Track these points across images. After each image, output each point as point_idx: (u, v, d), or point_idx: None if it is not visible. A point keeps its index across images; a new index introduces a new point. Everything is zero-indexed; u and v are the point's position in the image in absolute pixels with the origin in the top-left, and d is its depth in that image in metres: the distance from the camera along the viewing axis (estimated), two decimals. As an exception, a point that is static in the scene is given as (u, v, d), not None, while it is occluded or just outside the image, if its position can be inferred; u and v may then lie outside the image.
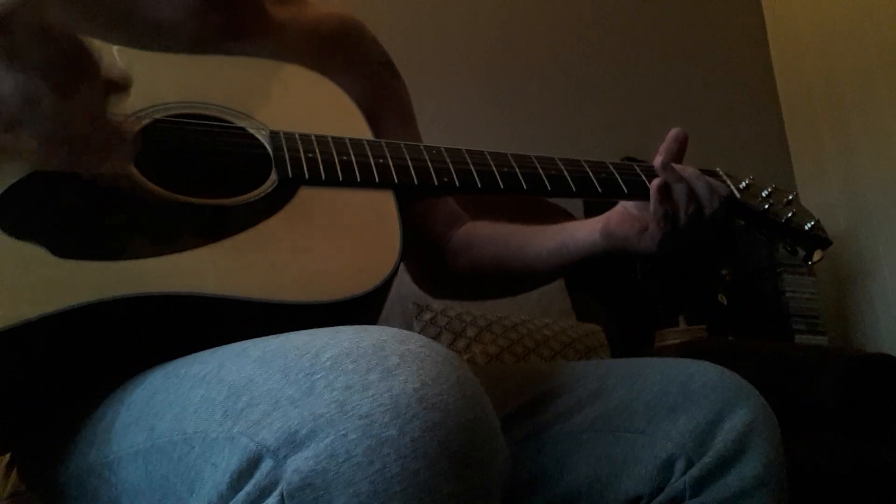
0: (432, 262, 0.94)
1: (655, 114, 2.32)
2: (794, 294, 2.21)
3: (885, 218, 2.32)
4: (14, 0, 0.53)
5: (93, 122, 0.57)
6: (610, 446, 0.70)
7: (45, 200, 0.60)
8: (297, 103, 0.78)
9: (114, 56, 0.72)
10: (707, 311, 2.06)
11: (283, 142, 0.71)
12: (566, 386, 0.75)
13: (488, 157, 0.78)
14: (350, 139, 0.74)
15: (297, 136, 0.72)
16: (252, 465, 0.44)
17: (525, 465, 0.71)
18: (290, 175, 0.68)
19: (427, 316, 1.53)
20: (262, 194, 0.67)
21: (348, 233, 0.68)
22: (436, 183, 0.74)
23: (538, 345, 1.55)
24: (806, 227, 0.85)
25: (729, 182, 0.85)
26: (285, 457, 0.42)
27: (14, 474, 0.69)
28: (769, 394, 0.71)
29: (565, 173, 0.79)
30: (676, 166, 0.79)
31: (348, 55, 0.89)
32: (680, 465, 0.67)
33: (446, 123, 1.97)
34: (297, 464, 0.42)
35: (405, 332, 0.48)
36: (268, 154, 0.70)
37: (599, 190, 0.80)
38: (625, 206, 0.83)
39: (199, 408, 0.49)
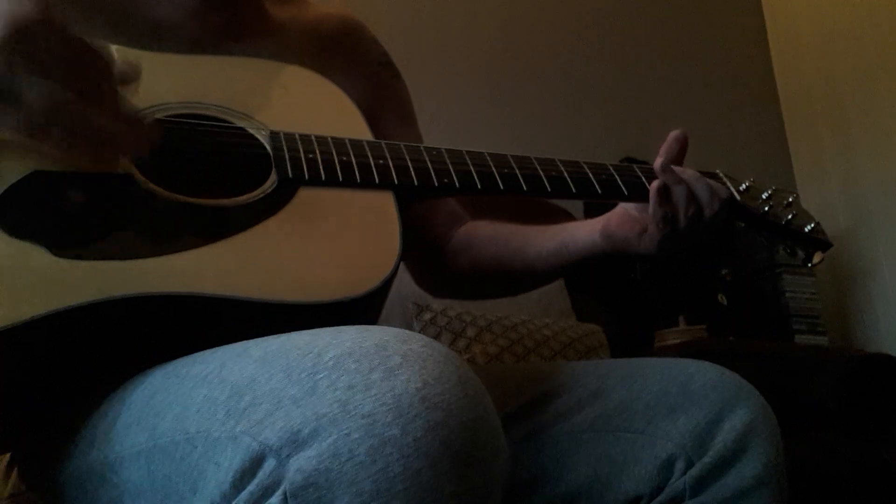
0: (433, 261, 0.94)
1: (655, 114, 2.32)
2: (794, 294, 2.21)
3: (885, 218, 2.32)
4: (31, 10, 0.54)
5: (111, 118, 0.59)
6: (610, 446, 0.70)
7: (46, 200, 0.60)
8: (297, 104, 0.78)
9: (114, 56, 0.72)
10: (707, 311, 2.06)
11: (283, 142, 0.71)
12: (566, 386, 0.75)
13: (488, 158, 0.78)
14: (350, 140, 0.74)
15: (297, 136, 0.72)
16: (255, 464, 0.44)
17: (525, 465, 0.71)
18: (290, 175, 0.68)
19: (427, 316, 1.54)
20: (262, 194, 0.67)
21: (348, 233, 0.68)
22: (436, 184, 0.74)
23: (538, 345, 1.55)
24: (806, 230, 0.85)
25: (729, 184, 0.85)
26: (288, 456, 0.42)
27: (14, 474, 0.69)
28: (769, 394, 0.71)
29: (565, 174, 0.79)
30: (676, 168, 0.79)
31: (348, 55, 0.90)
32: (680, 465, 0.67)
33: (446, 123, 1.97)
34: (300, 463, 0.42)
35: (407, 332, 0.49)
36: (268, 154, 0.70)
37: (599, 191, 0.80)
38: (625, 208, 0.83)
39: (201, 407, 0.49)
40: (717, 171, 0.87)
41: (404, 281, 0.92)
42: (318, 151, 0.71)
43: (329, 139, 0.73)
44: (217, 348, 0.54)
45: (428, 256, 0.94)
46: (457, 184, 0.75)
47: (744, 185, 0.86)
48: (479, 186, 0.76)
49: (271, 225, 0.65)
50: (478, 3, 2.29)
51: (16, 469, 0.69)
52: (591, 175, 0.80)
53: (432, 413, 0.42)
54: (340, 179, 0.70)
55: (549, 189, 0.78)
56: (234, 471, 0.44)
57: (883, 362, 1.51)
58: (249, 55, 0.79)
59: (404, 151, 0.75)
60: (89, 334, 0.57)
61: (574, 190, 0.79)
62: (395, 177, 0.72)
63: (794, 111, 2.64)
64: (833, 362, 1.51)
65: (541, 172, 0.79)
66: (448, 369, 0.45)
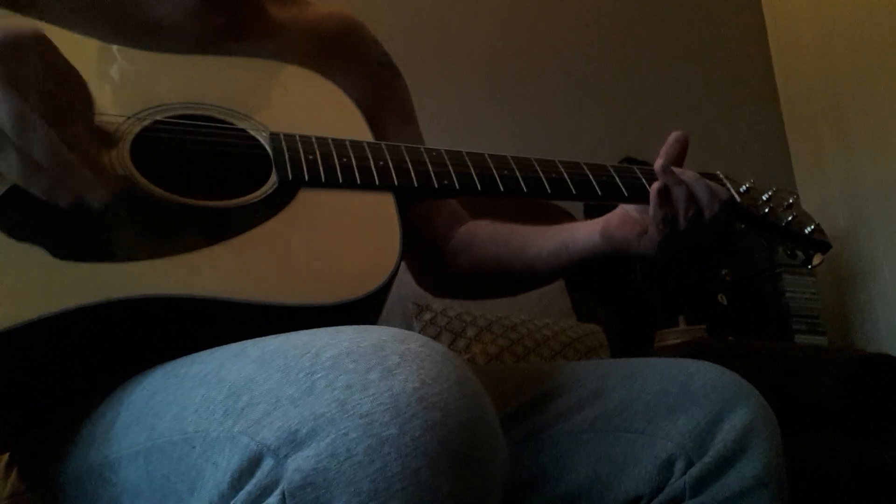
0: (433, 261, 0.94)
1: (655, 114, 2.32)
2: (794, 294, 2.21)
3: (885, 218, 2.32)
4: (24, 28, 0.55)
5: (77, 159, 0.57)
6: (610, 446, 0.70)
7: (45, 202, 0.60)
8: (298, 104, 0.78)
9: (114, 56, 0.72)
10: (707, 312, 2.06)
11: (284, 143, 0.71)
12: (566, 386, 0.75)
13: (488, 159, 0.78)
14: (350, 141, 0.74)
15: (297, 137, 0.72)
16: (253, 464, 0.44)
17: (525, 465, 0.71)
18: (290, 177, 0.68)
19: (427, 316, 1.54)
20: (262, 196, 0.67)
21: (348, 235, 0.68)
22: (436, 185, 0.74)
23: (538, 345, 1.55)
24: (806, 231, 0.85)
25: (729, 185, 0.85)
26: (286, 456, 0.42)
27: (14, 474, 0.69)
28: (769, 394, 0.71)
29: (565, 176, 0.79)
30: (676, 170, 0.79)
31: (348, 55, 0.90)
32: (680, 465, 0.67)
33: (446, 123, 1.97)
34: (298, 463, 0.42)
35: (405, 331, 0.49)
36: (268, 155, 0.70)
37: (599, 193, 0.80)
38: (625, 209, 0.83)
39: (199, 407, 0.49)
40: (718, 172, 0.87)
41: (404, 281, 0.92)
42: (318, 153, 0.71)
43: (329, 140, 0.73)
44: (216, 348, 0.54)
45: (428, 256, 0.94)
46: (457, 185, 0.75)
47: (744, 187, 0.86)
48: (479, 188, 0.76)
49: (271, 226, 0.65)
50: (478, 3, 2.29)
51: (15, 469, 0.69)
52: (591, 176, 0.80)
53: (430, 413, 0.42)
54: (340, 181, 0.70)
55: (549, 191, 0.78)
56: (233, 471, 0.44)
57: (883, 362, 1.51)
58: (249, 55, 0.79)
59: (404, 153, 0.75)
60: (89, 336, 0.57)
61: (574, 191, 0.79)
62: (395, 178, 0.72)
63: (794, 111, 2.64)
64: (833, 362, 1.51)
65: (541, 174, 0.79)
66: (446, 369, 0.45)
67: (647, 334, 1.98)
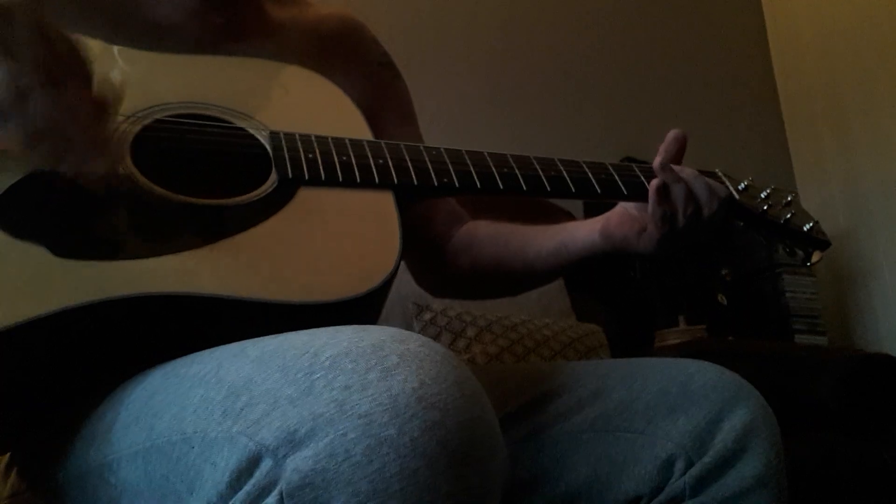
0: (433, 261, 0.94)
1: (655, 114, 2.32)
2: (794, 294, 2.21)
3: (885, 218, 2.32)
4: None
5: (76, 125, 0.57)
6: (610, 446, 0.70)
7: (46, 200, 0.60)
8: (297, 104, 0.78)
9: (114, 56, 0.72)
10: (707, 311, 2.06)
11: (283, 142, 0.71)
12: (566, 386, 0.75)
13: (488, 158, 0.78)
14: (350, 140, 0.74)
15: (297, 136, 0.72)
16: (251, 464, 0.44)
17: (525, 465, 0.71)
18: (290, 175, 0.68)
19: (427, 316, 1.54)
20: (262, 195, 0.67)
21: (348, 233, 0.68)
22: (435, 184, 0.74)
23: (538, 345, 1.55)
24: (805, 229, 0.85)
25: (728, 183, 0.85)
26: (284, 456, 0.42)
27: (14, 474, 0.69)
28: (769, 394, 0.71)
29: (564, 174, 0.79)
30: (675, 167, 0.79)
31: (348, 55, 0.90)
32: (680, 465, 0.67)
33: (446, 123, 1.97)
34: (297, 463, 0.42)
35: (404, 331, 0.49)
36: (268, 154, 0.70)
37: (599, 191, 0.80)
38: (624, 207, 0.83)
39: (198, 408, 0.49)
40: (717, 170, 0.87)
41: (404, 281, 0.92)
42: (317, 151, 0.71)
43: (329, 139, 0.73)
44: (215, 348, 0.54)
45: (428, 256, 0.94)
46: (456, 183, 0.75)
47: (742, 184, 0.86)
48: (478, 186, 0.76)
49: (271, 225, 0.65)
50: (478, 3, 2.29)
51: (15, 469, 0.69)
52: (590, 175, 0.80)
53: (429, 413, 0.42)
54: (340, 179, 0.70)
55: (548, 189, 0.78)
56: (231, 471, 0.44)
57: (883, 362, 1.51)
58: (249, 55, 0.79)
59: (404, 151, 0.75)
60: (89, 334, 0.57)
61: (573, 190, 0.79)
62: (394, 176, 0.72)
63: (794, 111, 2.64)
64: (833, 362, 1.51)
65: (540, 172, 0.79)
66: (445, 369, 0.45)
67: (647, 334, 1.98)
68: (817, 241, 0.85)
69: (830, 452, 1.35)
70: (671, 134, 0.82)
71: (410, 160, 0.74)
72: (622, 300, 2.02)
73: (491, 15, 2.29)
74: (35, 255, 0.57)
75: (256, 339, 0.52)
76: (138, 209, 0.63)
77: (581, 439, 0.72)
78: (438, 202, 0.93)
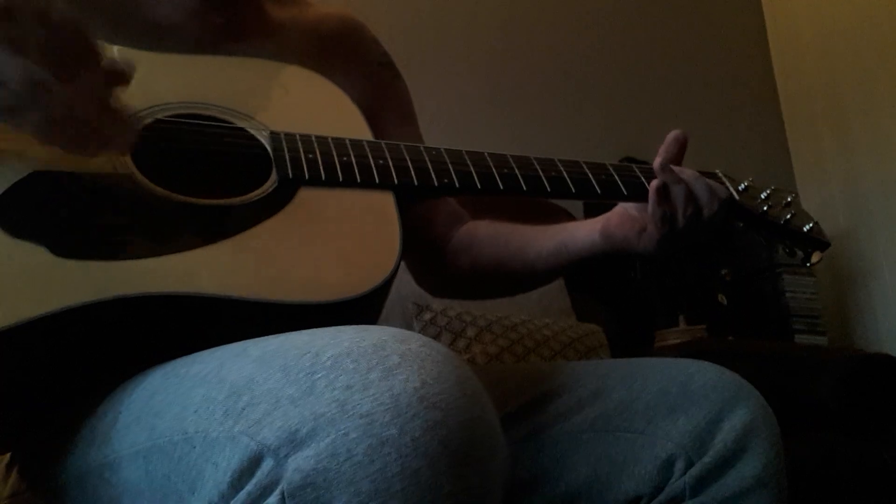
0: (433, 261, 0.94)
1: (655, 114, 2.32)
2: (794, 294, 2.21)
3: (885, 218, 2.32)
4: None
5: (95, 108, 0.58)
6: (610, 446, 0.70)
7: (46, 200, 0.60)
8: (298, 104, 0.78)
9: (115, 55, 0.72)
10: (707, 311, 2.06)
11: (284, 142, 0.71)
12: (566, 386, 0.75)
13: (488, 158, 0.78)
14: (350, 140, 0.74)
15: (297, 136, 0.72)
16: (253, 464, 0.44)
17: (525, 465, 0.71)
18: (291, 175, 0.68)
19: (427, 316, 1.54)
20: (263, 195, 0.67)
21: (348, 233, 0.68)
22: (436, 184, 0.74)
23: (538, 345, 1.55)
24: (805, 229, 0.85)
25: (728, 184, 0.85)
26: (286, 456, 0.43)
27: (14, 474, 0.69)
28: (769, 394, 0.71)
29: (565, 175, 0.79)
30: (675, 168, 0.79)
31: (348, 55, 0.90)
32: (680, 465, 0.67)
33: (446, 123, 1.97)
34: (298, 463, 0.42)
35: (405, 331, 0.49)
36: (268, 154, 0.70)
37: (599, 191, 0.80)
38: (624, 207, 0.83)
39: (199, 407, 0.49)
40: (717, 170, 0.87)
41: (404, 281, 0.92)
42: (318, 152, 0.71)
43: (329, 139, 0.73)
44: (216, 348, 0.54)
45: (428, 256, 0.94)
46: (457, 184, 0.75)
47: (743, 185, 0.86)
48: (478, 186, 0.76)
49: (271, 225, 0.65)
50: (478, 3, 2.29)
51: (16, 469, 0.69)
52: (590, 175, 0.80)
53: (430, 413, 0.43)
54: (341, 179, 0.70)
55: (548, 189, 0.78)
56: (233, 471, 0.44)
57: (883, 362, 1.51)
58: (249, 55, 0.79)
59: (404, 151, 0.75)
60: (89, 334, 0.57)
61: (574, 190, 0.79)
62: (395, 177, 0.72)
63: (794, 111, 2.64)
64: (833, 362, 1.51)
65: (540, 173, 0.79)
66: (446, 369, 0.45)
67: (647, 334, 1.98)
68: (817, 241, 0.86)
69: (830, 452, 1.35)
70: (671, 135, 0.82)
71: (411, 160, 0.74)
72: (622, 300, 2.02)
73: (491, 15, 2.29)
74: (35, 255, 0.57)
75: (258, 339, 0.52)
76: (138, 209, 0.63)
77: (581, 439, 0.72)
78: (439, 203, 0.93)
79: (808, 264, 0.87)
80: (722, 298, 2.12)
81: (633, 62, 2.43)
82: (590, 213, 1.57)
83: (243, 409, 0.46)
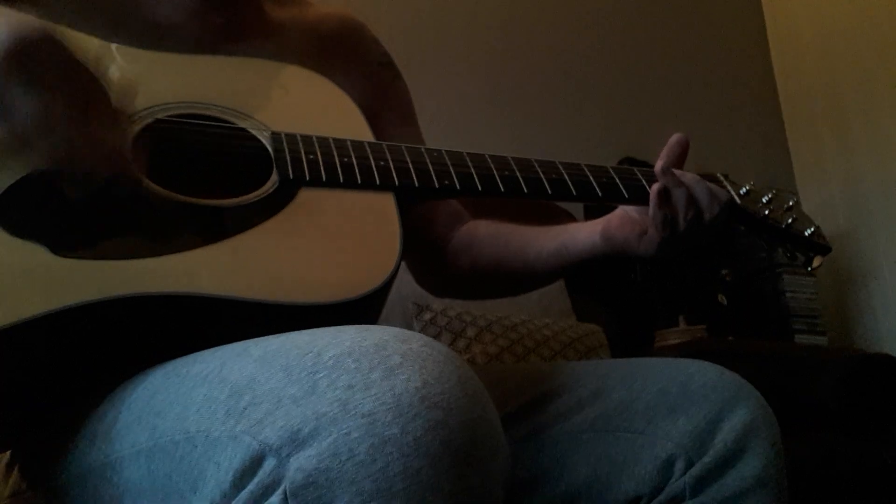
0: (433, 261, 0.94)
1: (655, 114, 2.32)
2: (794, 294, 2.21)
3: (885, 218, 2.32)
4: (36, 27, 0.55)
5: (100, 155, 0.59)
6: (610, 446, 0.70)
7: (47, 199, 0.60)
8: (298, 104, 0.78)
9: (114, 56, 0.72)
10: (707, 312, 2.06)
11: (285, 143, 0.71)
12: (566, 386, 0.76)
13: (489, 160, 0.78)
14: (351, 141, 0.74)
15: (298, 137, 0.72)
16: (255, 463, 0.44)
17: (525, 465, 0.71)
18: (291, 176, 0.68)
19: (427, 316, 1.54)
20: (263, 195, 0.67)
21: (348, 234, 0.68)
22: (436, 185, 0.74)
23: (538, 345, 1.55)
24: (806, 234, 0.85)
25: (729, 187, 0.85)
26: (288, 455, 0.43)
27: (15, 473, 0.69)
28: (769, 394, 0.72)
29: (566, 177, 0.79)
30: (677, 171, 0.79)
31: (349, 55, 0.90)
32: (680, 465, 0.67)
33: (446, 123, 1.97)
34: (300, 462, 0.42)
35: (407, 331, 0.49)
36: (269, 155, 0.70)
37: (600, 194, 0.80)
38: (625, 210, 0.83)
39: (201, 407, 0.49)
40: (718, 174, 0.88)
41: (404, 281, 0.92)
42: (319, 152, 0.71)
43: (330, 140, 0.73)
44: (218, 348, 0.54)
45: (429, 256, 0.94)
46: (457, 185, 0.75)
47: (744, 189, 0.86)
48: (479, 188, 0.76)
49: (272, 225, 0.65)
50: (478, 3, 2.29)
51: (16, 468, 0.69)
52: (591, 178, 0.80)
53: (432, 412, 0.43)
54: (341, 180, 0.70)
55: (549, 192, 0.78)
56: (235, 470, 0.45)
57: (883, 362, 1.51)
58: (250, 55, 0.79)
59: (405, 153, 0.75)
60: (89, 334, 0.58)
61: (574, 193, 0.79)
62: (395, 178, 0.72)
63: (794, 111, 2.64)
64: (833, 362, 1.51)
65: (541, 175, 0.79)
66: (448, 369, 0.45)
67: (647, 334, 1.98)
68: (818, 245, 0.86)
69: (830, 452, 1.35)
70: (673, 138, 0.82)
71: (412, 162, 0.74)
72: (622, 301, 2.02)
73: (491, 15, 2.29)
74: (35, 254, 0.57)
75: (259, 339, 0.52)
76: (139, 209, 0.63)
77: (581, 439, 0.72)
78: (439, 203, 0.93)
79: (809, 268, 0.87)
80: (722, 298, 2.12)
81: (633, 62, 2.43)
82: (590, 215, 1.57)
83: (245, 408, 0.46)
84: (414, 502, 0.42)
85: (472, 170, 0.76)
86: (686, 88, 2.48)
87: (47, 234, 0.58)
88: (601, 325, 1.73)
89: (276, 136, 0.72)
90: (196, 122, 0.71)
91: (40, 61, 0.55)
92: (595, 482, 0.70)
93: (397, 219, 0.70)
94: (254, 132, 0.72)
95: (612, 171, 0.82)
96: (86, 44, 0.69)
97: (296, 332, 0.51)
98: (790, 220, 0.85)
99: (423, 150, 0.77)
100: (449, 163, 0.76)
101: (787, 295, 2.20)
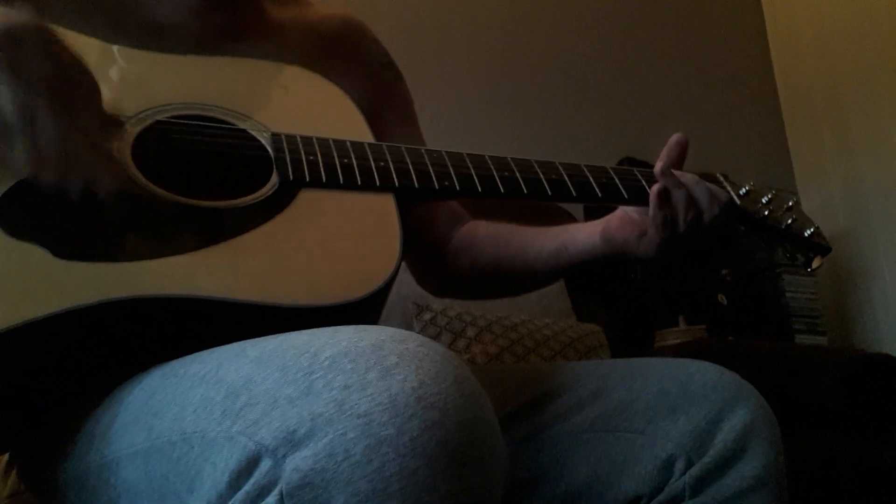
0: (434, 261, 0.94)
1: (655, 114, 2.32)
2: (794, 294, 2.21)
3: (885, 218, 2.32)
4: (25, 19, 0.55)
5: (83, 145, 0.58)
6: (610, 446, 0.70)
7: (47, 201, 0.60)
8: (298, 105, 0.78)
9: (114, 56, 0.72)
10: (707, 312, 2.06)
11: (285, 144, 0.71)
12: (566, 386, 0.76)
13: (489, 161, 0.78)
14: (351, 142, 0.74)
15: (298, 138, 0.72)
16: (251, 464, 0.44)
17: (525, 465, 0.71)
18: (291, 177, 0.68)
19: (427, 316, 1.54)
20: (263, 196, 0.67)
21: (348, 236, 0.68)
22: (436, 186, 0.74)
23: (538, 345, 1.55)
24: (805, 234, 0.85)
25: (729, 188, 0.85)
26: (284, 456, 0.43)
27: (13, 474, 0.69)
28: (769, 394, 0.71)
29: (565, 178, 0.79)
30: (676, 172, 0.79)
31: (349, 56, 0.89)
32: (680, 465, 0.67)
33: (446, 123, 1.96)
34: (296, 463, 0.42)
35: (404, 331, 0.49)
36: (269, 156, 0.70)
37: (600, 195, 0.80)
38: (625, 210, 0.83)
39: (198, 407, 0.49)
40: (718, 174, 0.87)
41: (404, 281, 0.92)
42: (319, 153, 0.71)
43: (330, 141, 0.73)
44: (215, 348, 0.54)
45: (429, 257, 0.94)
46: (457, 186, 0.75)
47: (744, 189, 0.86)
48: (479, 189, 0.76)
49: (272, 227, 0.65)
50: (478, 3, 2.29)
51: (15, 469, 0.69)
52: (591, 179, 0.80)
53: (428, 413, 0.43)
54: (341, 181, 0.70)
55: (549, 193, 0.78)
56: (231, 471, 0.45)
57: (883, 362, 1.51)
58: (250, 56, 0.79)
59: (405, 154, 0.75)
60: (88, 336, 0.58)
61: (574, 193, 0.79)
62: (395, 179, 0.72)
63: (794, 111, 2.64)
64: (833, 362, 1.51)
65: (541, 176, 0.79)
66: (445, 369, 0.45)
67: (647, 334, 1.98)
68: (818, 246, 0.86)
69: (830, 452, 1.35)
70: (673, 138, 0.82)
71: (412, 163, 0.74)
72: (622, 301, 2.02)
73: (491, 15, 2.29)
74: (35, 256, 0.57)
75: (256, 340, 0.52)
76: (139, 211, 0.63)
77: (581, 439, 0.72)
78: (439, 204, 0.93)
79: (808, 269, 0.87)
80: (722, 298, 2.12)
81: (633, 62, 2.43)
82: (590, 215, 1.57)
83: (241, 409, 0.46)
84: (410, 503, 0.42)
85: (472, 171, 0.76)
86: (686, 88, 2.48)
87: (46, 236, 0.58)
88: (601, 325, 1.73)
89: (276, 138, 0.72)
90: (196, 123, 0.71)
91: (25, 53, 0.55)
92: (595, 482, 0.70)
93: (397, 220, 0.69)
94: (254, 133, 0.72)
95: (611, 172, 0.82)
96: (84, 46, 0.70)
97: (293, 333, 0.51)
98: (790, 221, 0.85)
99: (422, 150, 0.77)
100: (449, 164, 0.76)
101: (787, 295, 2.20)
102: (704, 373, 0.71)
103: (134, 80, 0.65)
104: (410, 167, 0.74)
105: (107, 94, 0.64)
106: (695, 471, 0.67)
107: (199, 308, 0.58)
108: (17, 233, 0.58)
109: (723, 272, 2.15)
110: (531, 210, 1.24)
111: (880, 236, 2.33)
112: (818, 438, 1.38)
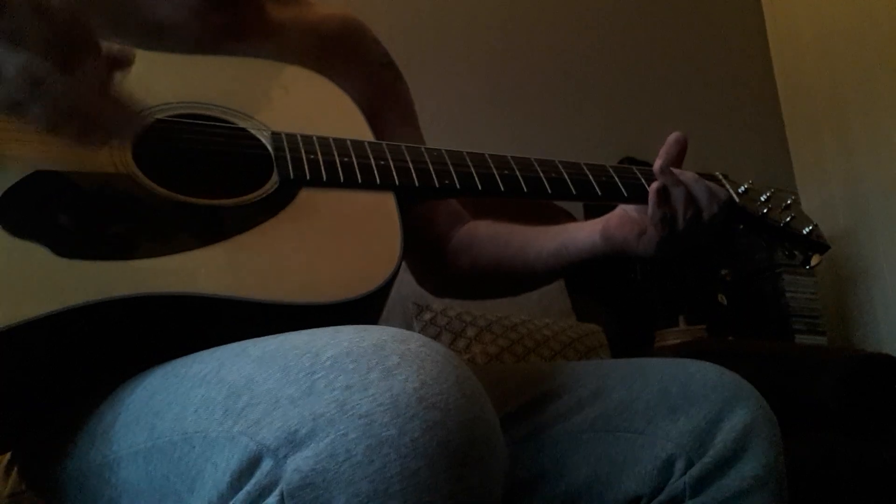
0: (434, 261, 0.94)
1: (655, 114, 2.32)
2: (794, 294, 2.21)
3: (885, 218, 2.32)
4: None
5: (97, 97, 0.58)
6: (610, 446, 0.70)
7: (47, 200, 0.60)
8: (298, 104, 0.78)
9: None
10: (707, 311, 2.06)
11: (285, 143, 0.71)
12: (566, 386, 0.76)
13: (489, 159, 0.78)
14: (351, 140, 0.74)
15: (298, 137, 0.72)
16: (252, 464, 0.44)
17: (525, 465, 0.71)
18: (292, 176, 0.68)
19: (427, 316, 1.54)
20: (264, 195, 0.67)
21: (349, 234, 0.68)
22: (437, 185, 0.74)
23: (538, 345, 1.55)
24: (804, 232, 0.85)
25: (728, 186, 0.85)
26: (285, 456, 0.43)
27: (14, 474, 0.69)
28: (769, 394, 0.72)
29: (565, 176, 0.80)
30: (675, 170, 0.79)
31: (349, 56, 0.90)
32: (680, 465, 0.67)
33: (446, 123, 1.96)
34: (297, 463, 0.42)
35: (405, 331, 0.49)
36: (269, 155, 0.70)
37: (599, 193, 0.80)
38: (625, 209, 0.83)
39: (199, 407, 0.49)
40: (717, 173, 0.88)
41: (404, 281, 0.92)
42: (319, 152, 0.71)
43: (330, 140, 0.73)
44: (216, 348, 0.54)
45: (429, 256, 0.94)
46: (458, 185, 0.75)
47: (743, 187, 0.86)
48: (479, 188, 0.76)
49: (272, 225, 0.65)
50: (478, 3, 2.29)
51: (16, 468, 0.69)
52: (591, 177, 0.80)
53: (430, 413, 0.43)
54: (342, 180, 0.70)
55: (549, 191, 0.78)
56: (232, 471, 0.45)
57: (883, 362, 1.51)
58: (250, 55, 0.79)
59: (405, 152, 0.75)
60: (89, 334, 0.57)
61: (574, 192, 0.79)
62: (396, 178, 0.72)
63: (794, 111, 2.64)
64: (833, 362, 1.51)
65: (541, 174, 0.79)
66: (446, 369, 0.45)
67: (647, 334, 1.98)
68: (817, 244, 0.86)
69: (830, 452, 1.35)
70: (672, 137, 0.82)
71: (412, 161, 0.74)
72: (622, 301, 2.02)
73: (491, 15, 2.29)
74: (36, 255, 0.57)
75: (257, 339, 0.52)
76: (140, 209, 0.63)
77: (581, 439, 0.72)
78: (439, 203, 0.93)
79: (807, 267, 0.87)
80: (722, 298, 2.12)
81: (633, 62, 2.43)
82: (590, 214, 1.57)
83: (243, 409, 0.46)
84: (411, 503, 0.42)
85: (472, 169, 0.76)
86: (686, 88, 2.48)
87: (47, 234, 0.58)
88: (601, 325, 1.73)
89: (276, 137, 0.72)
90: (196, 122, 0.71)
91: (24, 17, 0.54)
92: (595, 482, 0.70)
93: (398, 219, 0.70)
94: (254, 132, 0.72)
95: (611, 170, 0.82)
96: None
97: (294, 333, 0.51)
98: (788, 219, 0.85)
99: (423, 149, 0.77)
100: (449, 162, 0.76)
101: (787, 295, 2.20)
102: (704, 373, 0.71)
103: (134, 80, 0.65)
104: (411, 165, 0.74)
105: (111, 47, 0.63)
106: (695, 471, 0.67)
107: (200, 306, 0.58)
108: (18, 231, 0.58)
109: (723, 272, 2.15)
110: (531, 210, 1.24)
111: (880, 236, 2.34)
112: (818, 438, 1.38)
